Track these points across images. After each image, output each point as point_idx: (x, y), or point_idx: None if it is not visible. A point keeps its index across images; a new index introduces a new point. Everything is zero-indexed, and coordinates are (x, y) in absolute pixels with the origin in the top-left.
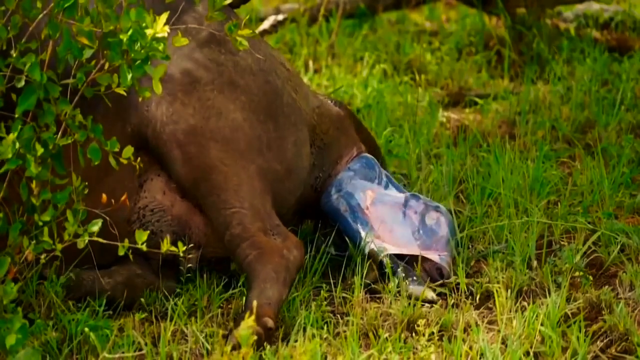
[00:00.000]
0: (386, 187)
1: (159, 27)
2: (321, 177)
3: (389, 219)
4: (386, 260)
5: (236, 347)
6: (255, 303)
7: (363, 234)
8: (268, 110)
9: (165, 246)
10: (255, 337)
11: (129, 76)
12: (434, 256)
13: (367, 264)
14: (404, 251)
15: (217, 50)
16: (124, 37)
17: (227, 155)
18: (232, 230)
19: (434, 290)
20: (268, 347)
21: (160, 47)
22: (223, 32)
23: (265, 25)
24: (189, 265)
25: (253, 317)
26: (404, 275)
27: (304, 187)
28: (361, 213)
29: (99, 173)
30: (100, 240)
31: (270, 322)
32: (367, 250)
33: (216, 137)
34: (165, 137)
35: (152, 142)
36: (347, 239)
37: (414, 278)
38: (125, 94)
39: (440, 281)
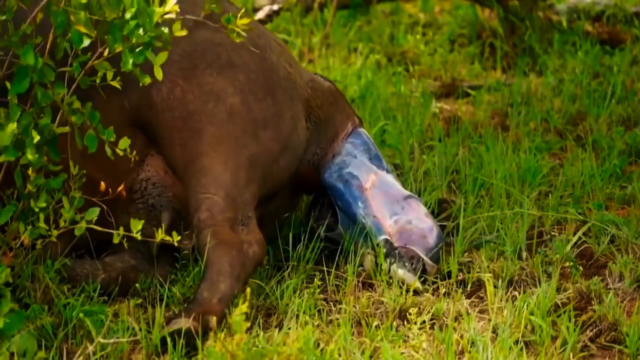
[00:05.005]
0: (385, 170)
1: (169, 6)
2: (318, 154)
3: (384, 205)
4: (379, 240)
5: (175, 332)
6: (205, 295)
7: (361, 205)
8: (266, 85)
9: (160, 235)
10: (248, 324)
11: (130, 61)
12: (418, 250)
13: (360, 251)
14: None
15: (213, 29)
16: (129, 15)
17: (220, 140)
18: (199, 215)
19: (424, 281)
20: (261, 333)
21: (166, 31)
22: (216, 13)
23: (260, 15)
24: (185, 252)
25: (247, 303)
26: (395, 260)
27: (301, 163)
28: (360, 190)
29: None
30: (97, 228)
31: (212, 323)
32: (365, 222)
33: (212, 121)
34: (165, 123)
35: (152, 125)
36: (339, 211)
37: (406, 264)
38: (119, 87)
39: (422, 276)
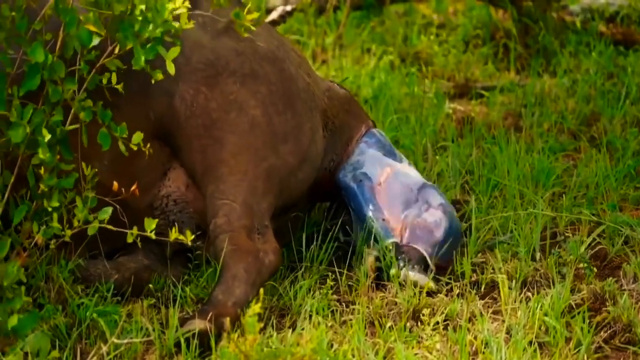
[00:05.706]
0: (401, 161)
1: (178, 2)
2: (334, 160)
3: (399, 198)
4: (387, 243)
5: (191, 332)
6: (220, 298)
7: (371, 208)
8: (286, 98)
9: (174, 235)
10: (261, 325)
11: (142, 57)
12: (421, 248)
13: (365, 253)
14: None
15: (235, 38)
16: (138, 10)
17: (241, 150)
18: (217, 220)
19: (437, 282)
20: (275, 333)
21: (177, 25)
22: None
23: (274, 15)
24: (198, 252)
25: (260, 304)
26: (405, 263)
27: (318, 171)
28: (372, 192)
29: (126, 156)
30: (110, 227)
31: (227, 325)
32: (373, 224)
33: (234, 130)
34: (188, 130)
35: (175, 133)
36: (352, 213)
37: (415, 266)
38: (122, 90)
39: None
